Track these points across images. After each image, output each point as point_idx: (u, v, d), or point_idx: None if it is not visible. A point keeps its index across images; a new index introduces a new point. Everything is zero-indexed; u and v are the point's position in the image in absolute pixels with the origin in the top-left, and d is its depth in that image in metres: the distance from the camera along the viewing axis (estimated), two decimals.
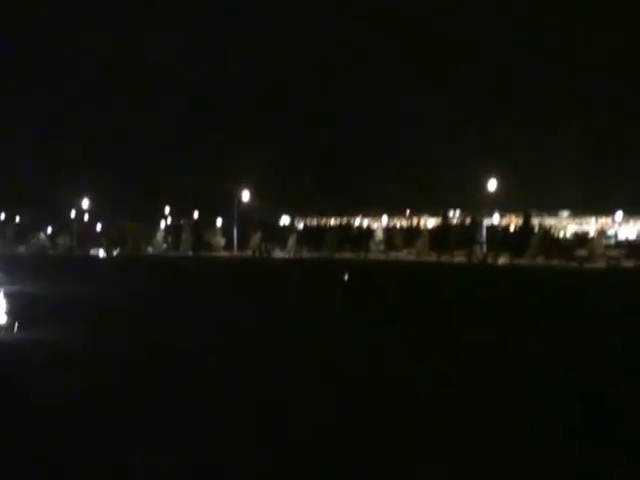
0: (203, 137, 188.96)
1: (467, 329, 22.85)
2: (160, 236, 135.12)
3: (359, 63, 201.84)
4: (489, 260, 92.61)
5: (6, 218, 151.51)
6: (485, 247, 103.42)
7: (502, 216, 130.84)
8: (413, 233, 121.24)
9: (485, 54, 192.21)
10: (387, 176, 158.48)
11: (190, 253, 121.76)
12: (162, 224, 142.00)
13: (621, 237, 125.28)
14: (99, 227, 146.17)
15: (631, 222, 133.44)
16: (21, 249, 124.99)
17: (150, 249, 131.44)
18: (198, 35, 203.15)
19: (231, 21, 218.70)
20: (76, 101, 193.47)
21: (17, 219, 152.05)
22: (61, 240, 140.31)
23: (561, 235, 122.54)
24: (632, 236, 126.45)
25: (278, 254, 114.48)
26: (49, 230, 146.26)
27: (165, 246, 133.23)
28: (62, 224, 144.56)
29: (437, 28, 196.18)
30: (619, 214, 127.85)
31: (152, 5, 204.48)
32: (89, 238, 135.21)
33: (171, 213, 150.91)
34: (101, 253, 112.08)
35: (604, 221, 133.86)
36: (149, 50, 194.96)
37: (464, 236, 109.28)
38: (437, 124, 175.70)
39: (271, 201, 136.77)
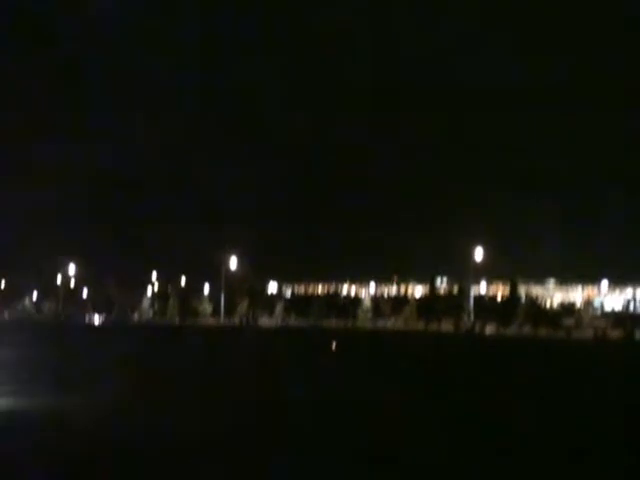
0: (191, 203, 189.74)
1: (453, 401, 22.86)
2: (146, 302, 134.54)
3: (336, 129, 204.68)
4: (476, 329, 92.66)
5: None
6: (472, 316, 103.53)
7: (489, 284, 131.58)
8: (401, 301, 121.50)
9: (470, 121, 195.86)
10: (375, 243, 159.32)
11: (177, 320, 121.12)
12: (149, 290, 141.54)
13: (607, 307, 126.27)
14: (85, 293, 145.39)
15: (617, 291, 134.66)
16: (5, 315, 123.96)
17: (136, 315, 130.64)
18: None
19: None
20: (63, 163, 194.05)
21: (2, 284, 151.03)
22: (47, 306, 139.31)
23: (548, 304, 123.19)
24: (618, 306, 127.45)
25: (265, 322, 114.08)
26: (34, 296, 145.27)
27: (151, 313, 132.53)
28: (48, 289, 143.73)
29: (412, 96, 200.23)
30: (605, 283, 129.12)
31: None
32: (75, 304, 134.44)
33: (158, 279, 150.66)
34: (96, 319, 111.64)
35: (590, 290, 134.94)
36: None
37: (451, 304, 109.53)
38: (423, 190, 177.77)
39: (259, 268, 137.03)
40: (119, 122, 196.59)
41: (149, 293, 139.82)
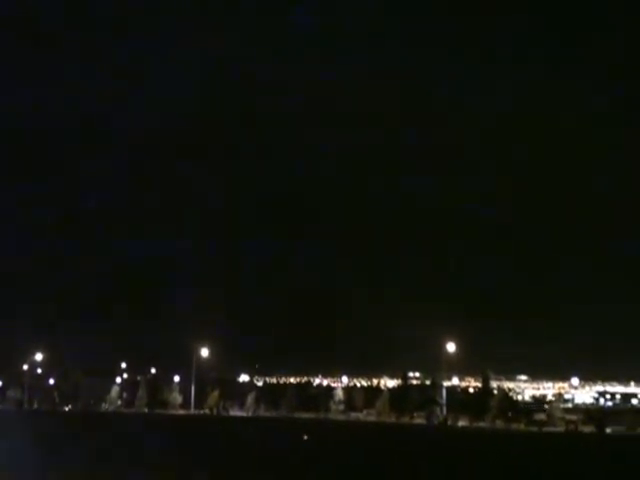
0: (163, 292, 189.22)
1: None
2: (115, 392, 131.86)
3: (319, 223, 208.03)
4: (449, 422, 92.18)
5: None
6: (445, 409, 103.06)
7: (461, 379, 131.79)
8: (373, 393, 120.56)
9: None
10: (349, 337, 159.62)
11: (145, 410, 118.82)
12: (118, 379, 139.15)
13: (577, 401, 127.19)
14: (51, 381, 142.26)
15: (587, 387, 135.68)
16: None
17: (104, 405, 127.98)
18: None
19: None
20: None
21: None
22: (11, 394, 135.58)
23: (519, 398, 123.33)
24: (588, 400, 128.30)
25: (236, 412, 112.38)
26: None
27: (120, 402, 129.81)
28: (12, 377, 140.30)
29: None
30: (575, 380, 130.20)
31: None
32: (41, 392, 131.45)
33: (127, 369, 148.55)
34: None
35: (560, 385, 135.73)
36: None
37: (424, 397, 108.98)
38: (398, 285, 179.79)
39: (230, 358, 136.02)
40: None
41: (118, 382, 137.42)
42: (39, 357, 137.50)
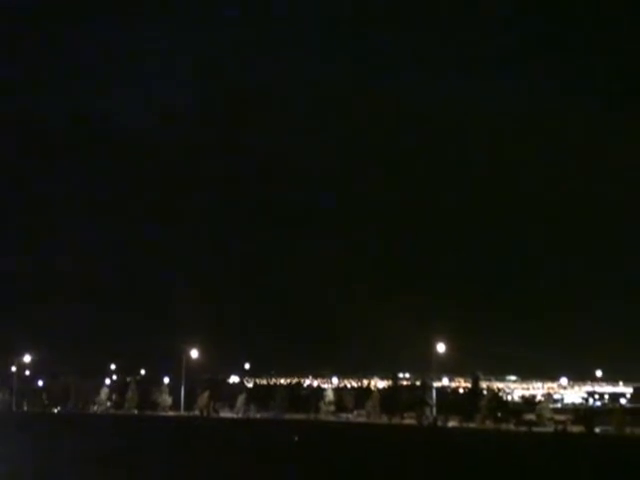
0: (153, 294, 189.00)
1: None
2: (104, 393, 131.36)
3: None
4: (439, 423, 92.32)
5: None
6: (435, 410, 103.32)
7: (451, 379, 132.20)
8: (363, 394, 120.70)
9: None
10: (339, 338, 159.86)
11: (135, 412, 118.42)
12: (107, 381, 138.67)
13: (567, 401, 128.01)
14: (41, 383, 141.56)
15: (575, 387, 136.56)
16: None
17: (94, 407, 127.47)
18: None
19: None
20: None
21: None
22: None
23: (509, 398, 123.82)
24: (577, 400, 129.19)
25: (227, 414, 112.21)
26: None
27: (109, 404, 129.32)
28: (0, 379, 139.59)
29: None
30: (564, 380, 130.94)
31: None
32: (30, 394, 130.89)
33: (117, 370, 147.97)
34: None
35: (550, 386, 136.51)
36: None
37: (414, 398, 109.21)
38: (387, 287, 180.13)
39: (220, 359, 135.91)
40: None
41: (107, 384, 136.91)
42: (27, 359, 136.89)
